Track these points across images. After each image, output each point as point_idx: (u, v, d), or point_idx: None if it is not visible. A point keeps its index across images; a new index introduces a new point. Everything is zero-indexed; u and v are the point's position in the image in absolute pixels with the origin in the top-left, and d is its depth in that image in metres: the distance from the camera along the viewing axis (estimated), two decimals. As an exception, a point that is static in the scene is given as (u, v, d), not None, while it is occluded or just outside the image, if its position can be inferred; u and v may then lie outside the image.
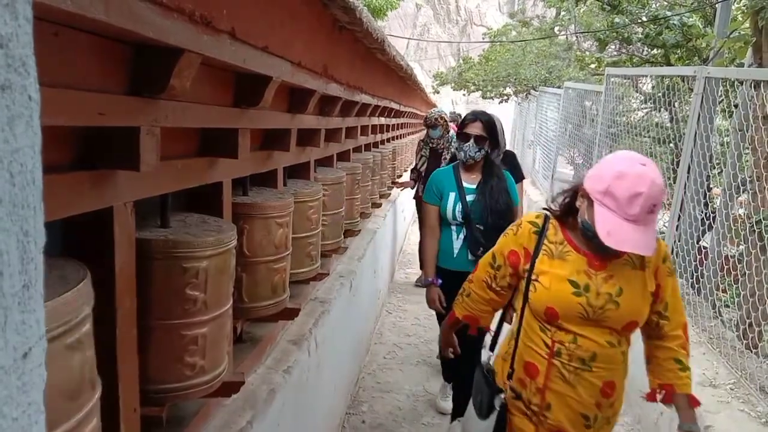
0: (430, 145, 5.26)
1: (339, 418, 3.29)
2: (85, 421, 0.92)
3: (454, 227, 3.02)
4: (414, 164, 5.54)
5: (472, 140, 2.93)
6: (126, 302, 1.24)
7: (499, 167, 3.05)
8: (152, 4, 1.02)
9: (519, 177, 3.94)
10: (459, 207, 2.96)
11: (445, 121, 5.20)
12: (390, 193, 6.00)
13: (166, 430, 1.56)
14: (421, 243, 3.31)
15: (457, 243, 3.01)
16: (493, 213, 2.91)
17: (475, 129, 2.94)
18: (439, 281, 3.04)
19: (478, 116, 3.00)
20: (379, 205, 5.31)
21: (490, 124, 2.98)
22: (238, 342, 2.09)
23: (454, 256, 3.01)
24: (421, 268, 3.78)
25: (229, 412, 1.80)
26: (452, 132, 5.30)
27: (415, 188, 5.55)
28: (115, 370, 1.20)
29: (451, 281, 2.86)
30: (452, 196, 2.98)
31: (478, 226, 2.96)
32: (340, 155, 3.73)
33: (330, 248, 3.11)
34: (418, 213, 5.66)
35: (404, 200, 7.45)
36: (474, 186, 3.00)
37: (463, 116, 3.55)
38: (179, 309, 1.41)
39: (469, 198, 2.96)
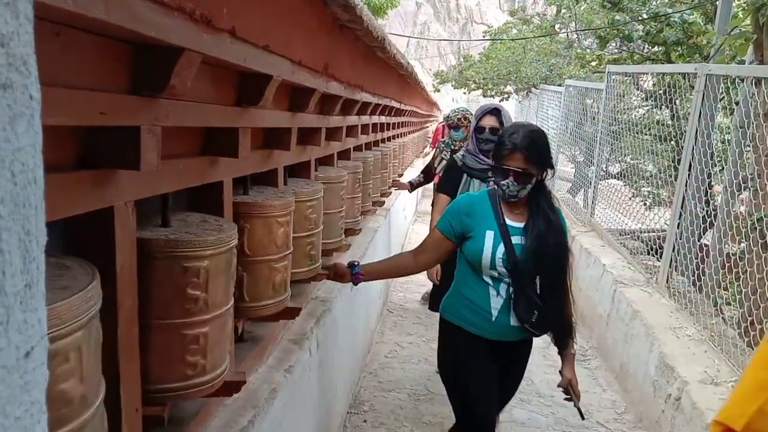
0: (452, 147, 4.55)
1: (340, 417, 3.29)
2: (95, 415, 0.92)
3: (490, 280, 2.14)
4: (426, 166, 4.96)
5: (511, 178, 2.07)
6: (127, 302, 1.24)
7: (548, 194, 2.20)
8: (153, 3, 1.02)
9: None
10: (501, 251, 2.09)
11: (470, 122, 4.49)
12: (391, 192, 5.99)
13: (167, 430, 1.56)
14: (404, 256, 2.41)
15: (496, 301, 2.14)
16: (552, 264, 2.11)
17: (517, 161, 2.06)
18: (360, 276, 2.26)
19: (518, 147, 2.05)
20: (380, 204, 5.30)
21: (537, 151, 2.09)
22: (240, 341, 2.09)
23: (492, 319, 2.14)
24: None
25: (230, 411, 1.80)
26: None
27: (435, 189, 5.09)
28: (117, 370, 1.21)
29: (485, 357, 2.21)
30: (490, 235, 2.11)
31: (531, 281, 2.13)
32: (341, 154, 3.73)
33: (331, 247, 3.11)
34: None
35: (405, 199, 7.45)
36: (520, 225, 2.14)
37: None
38: (180, 308, 1.41)
39: (515, 241, 2.11)
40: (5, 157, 0.38)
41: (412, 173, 8.07)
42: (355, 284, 2.31)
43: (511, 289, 2.12)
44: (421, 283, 6.25)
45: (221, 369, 1.54)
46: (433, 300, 3.51)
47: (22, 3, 0.40)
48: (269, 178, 2.27)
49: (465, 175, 3.25)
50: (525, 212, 2.16)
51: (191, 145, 1.60)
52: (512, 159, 2.06)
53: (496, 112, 3.18)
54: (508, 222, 2.14)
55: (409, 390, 3.87)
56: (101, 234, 1.18)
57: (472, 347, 2.20)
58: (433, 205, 4.87)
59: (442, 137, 6.04)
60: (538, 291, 2.09)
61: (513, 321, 2.13)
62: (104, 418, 1.00)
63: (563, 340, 2.21)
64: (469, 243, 2.16)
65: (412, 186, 5.08)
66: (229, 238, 1.52)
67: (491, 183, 3.01)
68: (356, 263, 2.27)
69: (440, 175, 4.58)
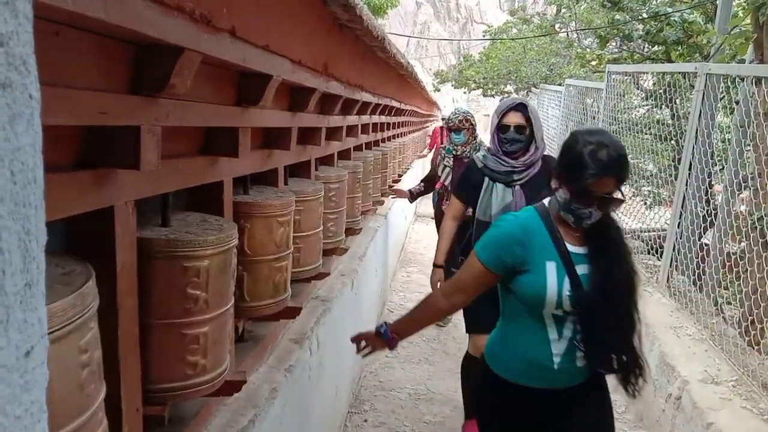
0: (454, 153, 4.30)
1: (341, 416, 3.30)
2: (95, 414, 0.92)
3: (551, 321, 1.75)
4: (426, 175, 4.80)
5: (596, 206, 1.66)
6: (127, 302, 1.24)
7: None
8: (152, 3, 1.02)
9: None
10: (567, 286, 1.70)
11: (471, 124, 4.24)
12: (388, 197, 5.96)
13: (168, 430, 1.56)
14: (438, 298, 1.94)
15: (558, 346, 1.75)
16: (624, 295, 1.74)
17: (607, 187, 1.64)
18: (394, 338, 1.93)
19: (611, 170, 1.63)
20: (380, 203, 5.30)
21: (628, 170, 1.71)
22: (240, 341, 2.09)
23: (555, 367, 1.75)
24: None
25: (231, 411, 1.80)
26: (480, 138, 4.45)
27: (435, 202, 4.72)
28: (118, 370, 1.21)
29: (537, 416, 1.84)
30: (552, 268, 1.71)
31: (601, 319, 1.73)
32: (341, 154, 3.73)
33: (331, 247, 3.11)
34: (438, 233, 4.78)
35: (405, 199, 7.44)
36: (582, 251, 1.75)
37: (573, 151, 1.69)
38: (180, 308, 1.41)
39: (579, 271, 1.72)
40: (5, 157, 0.38)
41: (410, 175, 8.07)
42: (393, 348, 1.97)
43: (577, 328, 1.74)
44: (422, 282, 6.25)
45: (222, 368, 1.54)
46: (469, 319, 3.14)
47: (22, 2, 0.40)
48: (269, 177, 2.27)
49: (486, 179, 2.88)
50: (582, 233, 1.76)
51: (191, 144, 1.60)
52: (601, 184, 1.63)
53: (521, 107, 2.83)
54: (570, 248, 1.74)
55: (410, 389, 3.87)
56: (101, 234, 1.18)
57: (523, 402, 1.83)
58: (439, 211, 4.65)
59: (441, 140, 5.89)
60: (607, 326, 1.72)
61: (580, 363, 1.76)
62: (104, 418, 1.00)
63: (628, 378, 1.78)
64: (526, 279, 1.72)
65: (413, 195, 4.88)
66: (230, 238, 1.52)
67: (516, 187, 2.80)
68: (382, 327, 1.91)
69: (445, 179, 4.37)
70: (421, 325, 1.99)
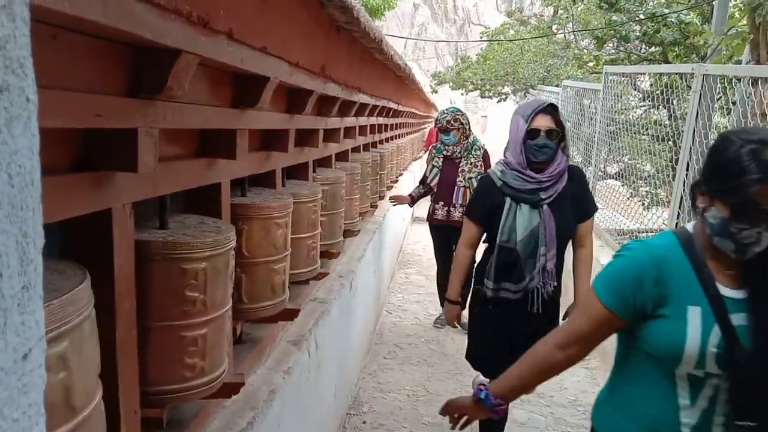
0: (445, 153, 4.32)
1: (340, 418, 3.29)
2: (91, 416, 0.92)
3: (685, 382, 1.37)
4: (422, 176, 4.69)
5: (765, 226, 1.24)
6: (125, 304, 1.24)
7: None
8: (150, 6, 1.03)
9: (590, 209, 2.68)
10: (716, 340, 1.31)
11: (462, 123, 4.22)
12: (378, 205, 5.92)
13: (166, 432, 1.56)
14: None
15: (690, 414, 1.37)
16: None
17: None
18: (500, 404, 1.58)
19: None
20: (375, 207, 5.30)
21: None
22: (238, 343, 2.09)
23: None
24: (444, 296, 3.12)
25: (229, 413, 1.80)
26: (474, 137, 4.44)
27: (430, 208, 4.61)
28: (115, 372, 1.20)
29: None
30: (695, 315, 1.33)
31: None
32: (339, 155, 3.73)
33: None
34: (434, 242, 4.79)
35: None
36: (739, 294, 1.34)
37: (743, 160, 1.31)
38: (178, 310, 1.41)
39: (735, 321, 1.32)
40: (2, 160, 0.38)
41: (408, 177, 8.08)
42: (499, 416, 1.63)
43: (719, 395, 1.34)
44: (421, 284, 6.26)
45: (220, 371, 1.54)
46: (471, 352, 2.80)
47: (19, 6, 0.40)
48: (267, 179, 2.27)
49: (508, 199, 2.48)
50: (738, 271, 1.35)
51: (189, 147, 1.60)
52: None
53: (551, 110, 2.45)
54: (722, 290, 1.33)
55: (408, 391, 3.87)
56: (99, 236, 1.18)
57: None
58: (430, 214, 4.58)
59: (435, 141, 5.91)
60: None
61: None
62: (102, 420, 1.00)
63: None
64: (659, 326, 1.36)
65: (413, 199, 4.79)
66: (227, 240, 1.52)
67: (544, 207, 2.44)
68: (482, 393, 1.58)
69: (432, 179, 4.38)
70: (532, 385, 1.64)
